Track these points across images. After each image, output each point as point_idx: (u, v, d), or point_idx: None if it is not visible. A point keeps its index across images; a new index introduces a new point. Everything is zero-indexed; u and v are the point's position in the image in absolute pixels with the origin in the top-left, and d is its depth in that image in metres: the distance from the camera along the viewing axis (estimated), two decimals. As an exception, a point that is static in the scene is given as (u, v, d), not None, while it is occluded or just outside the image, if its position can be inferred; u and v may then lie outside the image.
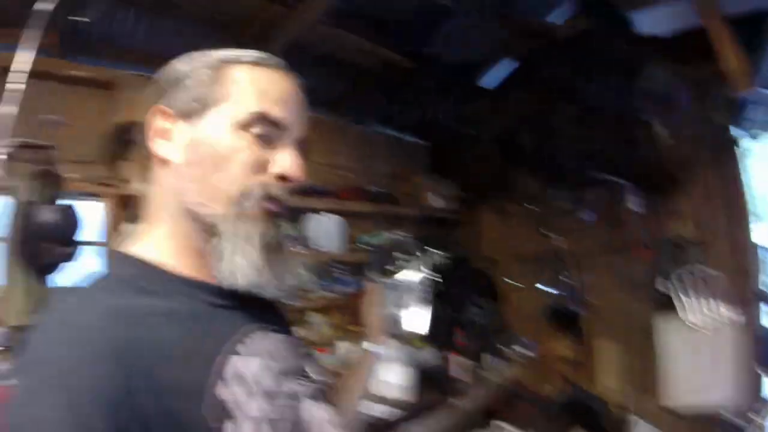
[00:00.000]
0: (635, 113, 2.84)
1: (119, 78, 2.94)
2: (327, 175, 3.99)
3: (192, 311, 0.70)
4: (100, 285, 0.71)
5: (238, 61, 0.80)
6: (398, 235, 1.35)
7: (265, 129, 0.76)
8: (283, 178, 0.77)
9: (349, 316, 3.64)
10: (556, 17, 2.78)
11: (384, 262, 1.34)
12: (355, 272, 3.81)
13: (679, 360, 3.34)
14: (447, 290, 3.81)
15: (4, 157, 2.43)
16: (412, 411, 2.65)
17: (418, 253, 1.33)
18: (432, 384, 2.96)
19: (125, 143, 2.79)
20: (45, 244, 2.13)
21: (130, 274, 0.72)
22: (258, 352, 0.73)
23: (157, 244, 0.77)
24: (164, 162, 0.77)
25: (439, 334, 3.46)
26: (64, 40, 2.75)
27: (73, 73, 2.79)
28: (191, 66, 0.80)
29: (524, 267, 4.44)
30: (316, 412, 0.78)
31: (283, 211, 0.78)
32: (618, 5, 2.77)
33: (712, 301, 3.23)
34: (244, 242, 0.72)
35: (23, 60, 2.43)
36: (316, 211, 3.57)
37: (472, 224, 4.85)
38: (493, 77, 3.65)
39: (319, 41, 3.19)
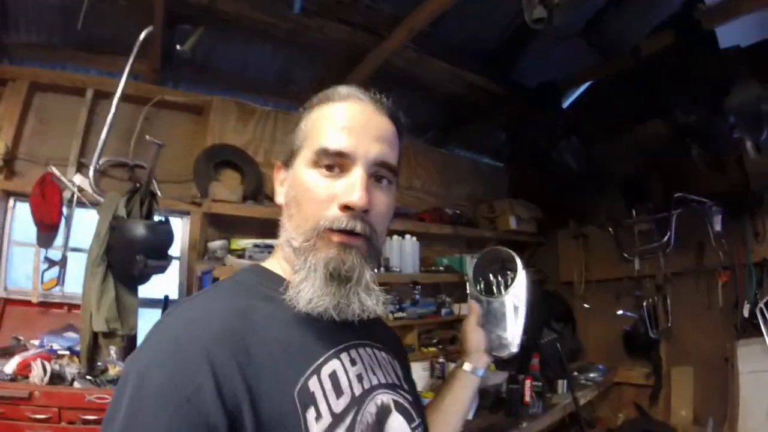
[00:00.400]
0: (724, 132, 2.72)
1: (210, 103, 3.11)
2: (408, 198, 4.08)
3: (303, 317, 0.78)
4: (227, 287, 0.86)
5: (313, 105, 0.89)
6: (498, 248, 1.31)
7: (330, 161, 0.80)
8: (346, 207, 0.79)
9: (425, 338, 3.70)
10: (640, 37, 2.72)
11: (485, 276, 1.30)
12: (432, 294, 3.88)
13: (760, 391, 3.17)
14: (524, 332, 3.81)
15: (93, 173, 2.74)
16: (482, 430, 2.66)
17: (519, 266, 1.26)
18: (505, 407, 2.96)
19: (215, 164, 3.04)
20: (139, 256, 2.28)
21: (257, 280, 0.86)
22: (357, 361, 0.83)
23: (279, 264, 0.90)
24: (279, 205, 0.91)
25: (516, 358, 3.46)
26: (163, 68, 2.99)
27: (168, 98, 2.99)
28: (297, 119, 0.92)
29: (602, 292, 4.36)
30: (398, 424, 0.84)
31: (353, 241, 0.80)
32: (702, 21, 2.69)
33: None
34: (310, 272, 0.78)
35: (122, 86, 2.73)
36: (398, 233, 3.64)
37: (550, 248, 4.80)
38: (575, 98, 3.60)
39: (406, 67, 3.31)
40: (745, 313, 3.31)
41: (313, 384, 0.74)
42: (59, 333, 2.68)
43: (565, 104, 3.87)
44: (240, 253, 2.80)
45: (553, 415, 3.14)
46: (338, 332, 0.82)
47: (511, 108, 3.90)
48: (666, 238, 3.62)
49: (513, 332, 1.21)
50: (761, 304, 3.21)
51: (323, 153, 0.81)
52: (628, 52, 2.93)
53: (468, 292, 1.32)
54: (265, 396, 0.68)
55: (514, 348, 1.21)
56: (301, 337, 0.78)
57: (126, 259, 2.30)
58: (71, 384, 2.28)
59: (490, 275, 1.30)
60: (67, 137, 2.85)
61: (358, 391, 0.80)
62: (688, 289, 3.75)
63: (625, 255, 4.01)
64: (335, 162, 0.81)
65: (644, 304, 3.83)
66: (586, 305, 4.41)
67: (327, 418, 0.73)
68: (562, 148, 3.61)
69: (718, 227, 3.40)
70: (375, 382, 0.85)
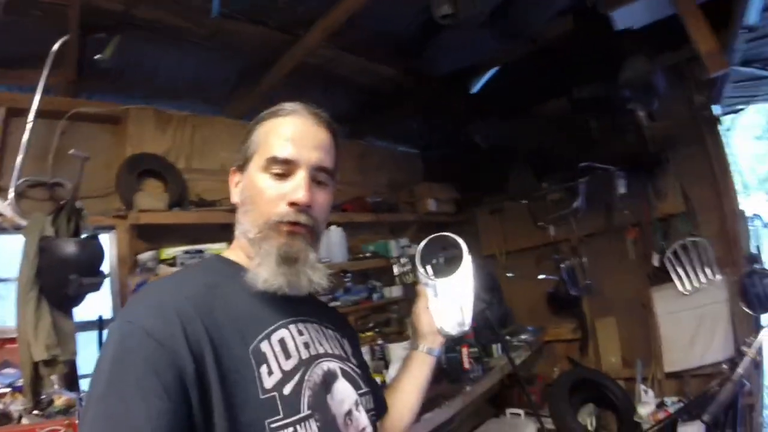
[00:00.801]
0: (618, 103, 2.98)
1: (127, 112, 3.02)
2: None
3: (262, 293, 0.92)
4: (195, 268, 1.07)
5: (263, 119, 1.04)
6: (443, 234, 1.36)
7: (279, 168, 0.96)
8: (293, 203, 0.94)
9: (361, 323, 3.82)
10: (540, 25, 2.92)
11: (430, 260, 1.34)
12: (362, 280, 3.98)
13: (677, 327, 3.55)
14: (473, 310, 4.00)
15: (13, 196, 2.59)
16: (431, 400, 2.79)
17: (464, 250, 1.30)
18: (447, 376, 3.12)
19: (137, 174, 2.94)
20: (72, 275, 2.20)
21: (221, 265, 1.01)
22: (304, 332, 0.97)
23: (236, 254, 1.03)
24: (235, 204, 1.05)
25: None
26: (80, 79, 2.87)
27: (84, 110, 2.86)
28: (251, 127, 1.05)
29: (523, 259, 4.65)
30: (344, 388, 0.97)
31: (298, 230, 0.96)
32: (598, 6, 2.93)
33: (703, 268, 3.43)
34: (265, 257, 0.93)
35: (37, 100, 2.58)
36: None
37: (470, 225, 5.03)
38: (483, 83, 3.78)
39: (320, 64, 3.34)
40: (656, 263, 3.67)
41: (264, 346, 0.87)
42: (-5, 370, 2.52)
43: (475, 89, 4.05)
44: (171, 262, 2.74)
45: (492, 376, 3.34)
46: (290, 309, 0.97)
47: (422, 96, 4.03)
48: (576, 204, 3.89)
49: (463, 312, 1.25)
50: (668, 254, 3.57)
51: (273, 161, 0.96)
52: (529, 39, 3.16)
53: (417, 277, 1.35)
54: (224, 349, 0.81)
55: (466, 326, 1.25)
56: (257, 310, 0.92)
57: (59, 280, 2.20)
58: (19, 422, 2.16)
59: (437, 260, 1.35)
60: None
61: (305, 355, 0.93)
62: (602, 248, 4.08)
63: (540, 224, 4.28)
64: (282, 168, 0.96)
65: (562, 265, 4.11)
66: (509, 274, 4.69)
67: (278, 374, 0.86)
68: (471, 130, 3.80)
69: (622, 190, 3.69)
70: (321, 351, 0.98)
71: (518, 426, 3.61)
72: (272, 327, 0.91)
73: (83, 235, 2.41)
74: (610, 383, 3.81)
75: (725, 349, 3.34)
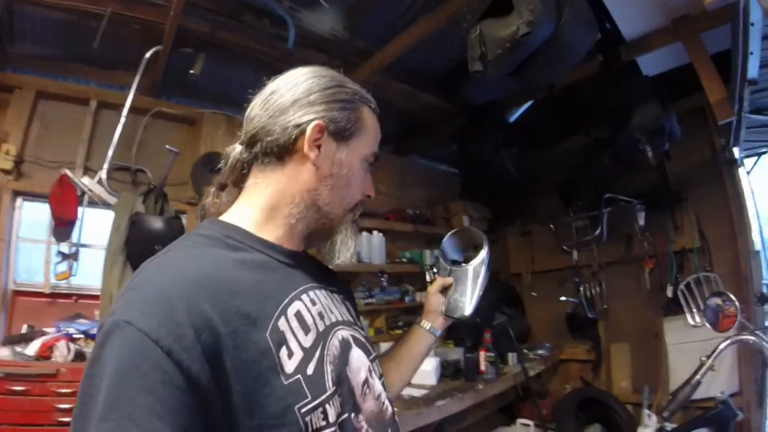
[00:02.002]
0: (629, 144, 3.26)
1: (202, 115, 3.45)
2: (375, 200, 4.47)
3: (268, 263, 0.87)
4: (195, 240, 0.87)
5: (367, 103, 1.03)
6: (469, 228, 1.49)
7: (371, 162, 1.02)
8: (368, 196, 1.03)
9: (391, 321, 4.14)
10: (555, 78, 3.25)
11: (455, 250, 1.43)
12: (396, 283, 4.31)
13: (685, 358, 3.60)
14: (479, 299, 4.28)
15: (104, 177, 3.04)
16: (445, 391, 3.09)
17: (484, 243, 1.37)
18: (463, 374, 3.42)
19: (209, 170, 3.36)
20: (157, 246, 2.58)
21: (221, 233, 0.88)
22: (316, 301, 0.91)
23: (244, 216, 0.93)
24: (310, 165, 0.92)
25: (471, 335, 3.94)
26: (162, 83, 3.32)
27: (165, 109, 3.33)
28: (346, 95, 0.98)
29: (547, 280, 4.90)
30: (358, 356, 0.94)
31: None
32: (622, 54, 3.24)
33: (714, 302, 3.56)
34: (347, 239, 1.00)
35: (131, 98, 3.04)
36: (367, 230, 4.10)
37: (500, 244, 5.34)
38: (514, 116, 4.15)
39: (372, 89, 3.73)
40: (669, 294, 3.82)
41: (282, 324, 0.79)
42: (71, 320, 2.95)
43: (512, 119, 4.41)
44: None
45: (505, 381, 3.60)
46: (297, 277, 0.91)
47: (460, 122, 4.44)
48: (598, 232, 4.13)
49: (469, 297, 1.31)
50: (681, 286, 3.72)
51: (374, 157, 1.03)
52: (546, 87, 3.58)
53: (438, 264, 1.48)
54: (242, 338, 0.72)
55: (467, 311, 1.29)
56: (268, 282, 0.83)
57: (145, 249, 2.57)
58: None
59: (461, 250, 1.44)
60: (69, 142, 3.13)
61: (321, 327, 0.87)
62: (620, 275, 4.30)
63: (565, 248, 4.54)
64: (372, 162, 1.03)
65: (582, 289, 4.36)
66: (533, 293, 4.96)
67: (299, 353, 0.79)
68: (504, 157, 4.11)
69: (642, 222, 3.92)
70: (334, 319, 0.93)
71: (526, 436, 3.77)
72: (287, 300, 0.83)
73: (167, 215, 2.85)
74: (618, 406, 3.94)
75: (731, 382, 3.42)
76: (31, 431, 2.43)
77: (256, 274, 0.82)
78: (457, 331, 4.05)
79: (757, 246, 3.75)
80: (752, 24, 2.05)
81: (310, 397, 0.76)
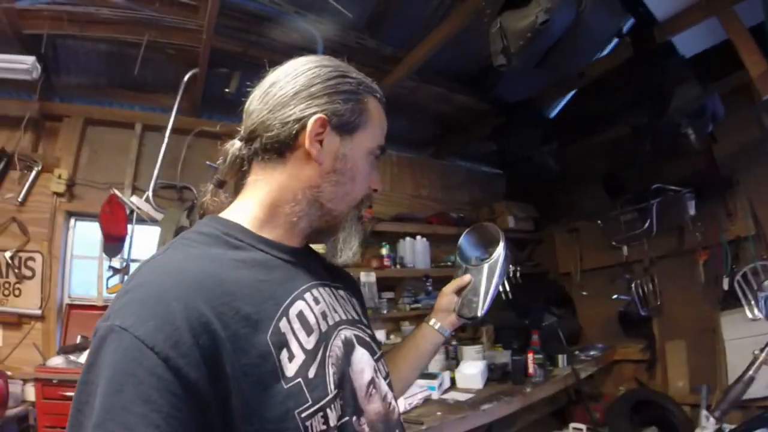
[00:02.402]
0: (670, 128, 3.14)
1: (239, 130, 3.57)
2: (417, 205, 4.59)
3: (268, 261, 0.85)
4: (194, 238, 0.84)
5: (372, 93, 0.98)
6: (484, 223, 1.44)
7: (378, 155, 0.98)
8: (374, 190, 0.99)
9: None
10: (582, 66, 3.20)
11: (474, 249, 1.40)
12: (441, 287, 4.30)
13: (744, 354, 3.40)
14: (527, 300, 4.24)
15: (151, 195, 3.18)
16: (491, 395, 3.03)
17: (500, 242, 1.33)
18: (511, 378, 3.37)
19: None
20: None
21: (221, 231, 0.85)
22: (320, 300, 0.87)
23: (245, 214, 0.90)
24: (312, 161, 0.89)
25: (520, 337, 3.89)
26: (202, 103, 3.48)
27: (206, 128, 3.46)
28: (350, 85, 0.94)
29: (597, 278, 4.75)
30: (362, 356, 0.91)
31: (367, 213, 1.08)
32: (656, 35, 3.13)
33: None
34: (352, 235, 0.96)
35: (173, 119, 3.19)
36: (410, 235, 4.12)
37: (548, 243, 5.25)
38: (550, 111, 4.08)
39: (405, 94, 3.80)
40: (725, 286, 3.62)
41: (283, 325, 0.77)
42: (121, 330, 3.09)
43: (552, 114, 4.34)
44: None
45: (554, 384, 3.51)
46: (299, 275, 0.88)
47: (496, 121, 4.40)
48: (648, 225, 3.97)
49: (482, 297, 1.27)
50: (738, 277, 3.49)
51: (380, 148, 0.98)
52: (575, 76, 3.49)
53: (456, 261, 1.41)
54: (242, 342, 0.70)
55: (479, 312, 1.26)
56: (269, 282, 0.81)
57: None
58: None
59: (481, 248, 1.40)
60: (117, 164, 3.31)
61: (324, 327, 0.84)
62: (673, 269, 4.11)
63: (614, 243, 4.37)
64: (378, 156, 0.99)
65: (633, 286, 4.18)
66: (583, 292, 4.82)
67: (300, 356, 0.76)
68: (544, 153, 4.04)
69: (692, 211, 3.73)
70: (337, 318, 0.90)
71: (579, 440, 3.67)
72: (288, 300, 0.81)
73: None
74: (674, 407, 3.78)
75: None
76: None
77: (256, 274, 0.80)
78: (505, 334, 4.01)
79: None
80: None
81: (310, 402, 0.74)
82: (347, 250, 0.95)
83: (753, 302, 3.41)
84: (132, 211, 3.12)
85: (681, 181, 3.79)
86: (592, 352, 4.23)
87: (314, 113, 0.87)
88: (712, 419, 3.41)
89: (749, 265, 3.50)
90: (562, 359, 3.84)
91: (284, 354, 0.75)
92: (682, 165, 3.84)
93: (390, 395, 0.95)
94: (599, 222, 4.54)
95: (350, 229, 0.96)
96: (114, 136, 3.37)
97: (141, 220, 3.16)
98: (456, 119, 4.55)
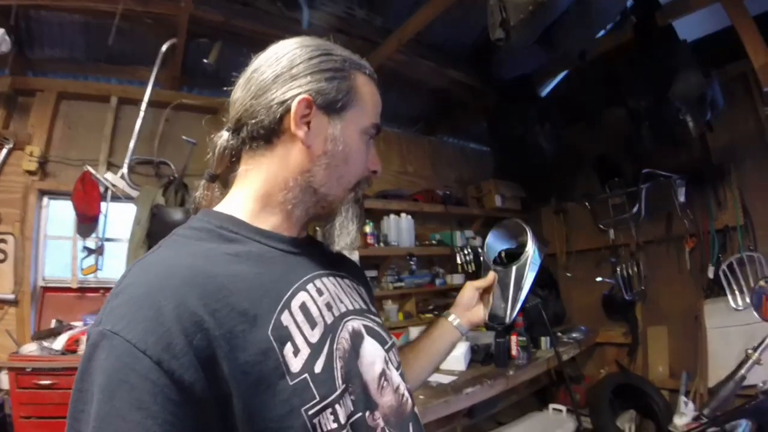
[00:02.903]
0: (670, 114, 3.06)
1: (224, 104, 3.43)
2: (403, 182, 4.49)
3: (266, 253, 0.81)
4: (186, 234, 0.81)
5: (360, 69, 0.92)
6: (515, 219, 1.33)
7: (373, 134, 0.92)
8: (373, 171, 0.94)
9: (422, 305, 4.10)
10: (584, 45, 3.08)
11: (502, 245, 1.33)
12: (426, 266, 4.26)
13: (725, 343, 3.45)
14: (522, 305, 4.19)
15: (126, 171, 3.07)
16: (475, 378, 3.01)
17: (529, 243, 1.25)
18: (494, 360, 3.34)
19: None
20: None
21: (214, 224, 0.81)
22: (323, 291, 0.84)
23: (238, 206, 0.86)
24: (301, 144, 0.84)
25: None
26: (184, 76, 3.34)
27: (186, 101, 3.33)
28: (335, 63, 0.88)
29: (582, 261, 4.75)
30: (371, 347, 0.86)
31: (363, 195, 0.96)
32: (658, 18, 3.04)
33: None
34: (350, 220, 0.91)
35: (149, 93, 3.05)
36: (395, 212, 4.04)
37: (534, 223, 5.13)
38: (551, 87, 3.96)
39: (396, 68, 3.65)
40: (710, 275, 3.64)
41: (285, 318, 0.74)
42: (97, 314, 3.02)
43: (543, 94, 4.22)
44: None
45: (537, 367, 3.50)
46: (300, 266, 0.85)
47: (490, 99, 4.28)
48: (636, 210, 3.96)
49: (510, 302, 1.20)
50: (724, 267, 3.53)
51: (374, 127, 0.92)
52: (576, 56, 3.32)
53: (483, 260, 1.32)
54: (240, 339, 0.67)
55: (508, 319, 1.20)
56: (267, 275, 0.77)
57: None
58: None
59: (512, 242, 1.32)
60: (92, 140, 3.17)
61: (329, 319, 0.80)
62: (659, 255, 4.11)
63: (601, 226, 4.37)
64: (373, 136, 0.93)
65: (619, 269, 4.18)
66: (568, 274, 4.81)
67: (305, 350, 0.73)
68: (537, 133, 3.95)
69: (682, 198, 3.72)
70: (343, 309, 0.86)
71: (558, 421, 3.68)
72: (290, 292, 0.77)
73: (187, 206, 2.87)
74: (654, 392, 3.81)
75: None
76: (58, 424, 2.49)
77: (252, 267, 0.76)
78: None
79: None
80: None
81: (318, 398, 0.71)
82: (345, 236, 0.91)
83: (737, 292, 3.45)
84: (106, 189, 3.01)
85: (673, 168, 3.75)
86: (575, 335, 4.23)
87: (297, 94, 0.83)
88: (691, 405, 3.47)
89: (736, 255, 3.52)
90: (545, 341, 3.83)
91: (288, 348, 0.71)
92: (675, 152, 3.78)
93: (403, 386, 0.90)
94: (588, 204, 4.52)
95: (346, 214, 0.91)
96: (89, 111, 3.23)
97: (116, 198, 3.05)
98: (450, 96, 4.42)
